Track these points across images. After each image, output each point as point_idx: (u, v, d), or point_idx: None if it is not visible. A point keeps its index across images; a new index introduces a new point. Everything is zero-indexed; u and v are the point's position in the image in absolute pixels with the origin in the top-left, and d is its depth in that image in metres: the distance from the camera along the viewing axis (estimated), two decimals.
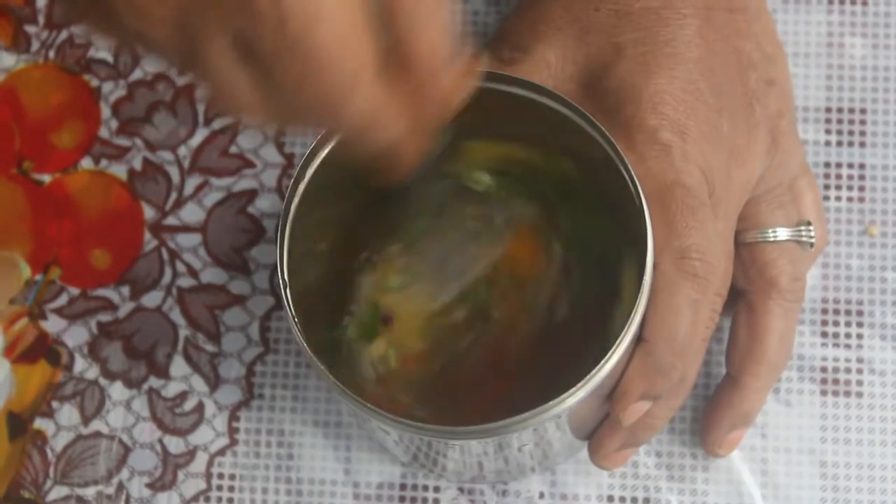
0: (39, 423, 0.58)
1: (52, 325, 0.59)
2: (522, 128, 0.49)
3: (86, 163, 0.60)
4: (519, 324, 0.51)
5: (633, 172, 0.45)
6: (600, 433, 0.51)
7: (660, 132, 0.48)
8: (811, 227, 0.52)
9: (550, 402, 0.44)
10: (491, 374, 0.51)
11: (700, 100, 0.49)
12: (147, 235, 0.59)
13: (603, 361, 0.44)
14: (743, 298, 0.52)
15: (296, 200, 0.47)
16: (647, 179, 0.47)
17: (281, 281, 0.46)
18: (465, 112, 0.43)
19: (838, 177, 0.58)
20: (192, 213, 0.59)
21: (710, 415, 0.54)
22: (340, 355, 0.51)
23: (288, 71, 0.37)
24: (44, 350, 0.58)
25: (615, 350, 0.44)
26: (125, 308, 0.59)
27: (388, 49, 0.38)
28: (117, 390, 0.58)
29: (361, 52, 0.37)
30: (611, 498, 0.55)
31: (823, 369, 0.56)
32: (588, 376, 0.44)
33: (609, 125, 0.48)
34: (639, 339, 0.47)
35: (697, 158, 0.48)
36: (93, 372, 0.58)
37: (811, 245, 0.52)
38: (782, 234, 0.51)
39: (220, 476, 0.57)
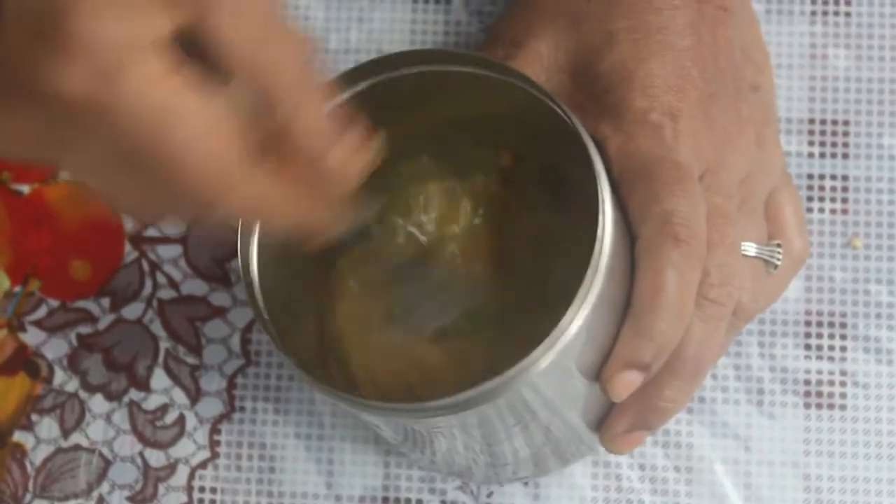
0: (19, 436, 0.57)
1: (32, 337, 0.58)
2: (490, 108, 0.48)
3: (65, 173, 0.60)
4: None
5: (590, 147, 0.45)
6: (609, 414, 0.50)
7: (650, 113, 0.48)
8: (780, 249, 0.51)
9: (509, 370, 0.43)
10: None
11: (691, 84, 0.48)
12: (127, 247, 0.59)
13: (561, 323, 0.43)
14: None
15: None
16: (635, 156, 0.47)
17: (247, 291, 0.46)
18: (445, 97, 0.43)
19: (821, 188, 0.58)
20: (172, 224, 0.59)
21: (618, 407, 0.51)
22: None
23: (153, 176, 0.37)
24: (23, 362, 0.58)
25: (576, 311, 0.43)
26: (105, 320, 0.58)
27: (269, 136, 0.38)
28: (97, 403, 0.57)
29: (226, 148, 0.37)
30: None
31: (807, 382, 0.56)
32: (546, 340, 0.43)
33: (599, 109, 0.48)
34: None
35: (688, 140, 0.48)
36: (73, 384, 0.58)
37: (775, 267, 0.51)
38: (751, 250, 0.50)
39: (202, 489, 0.56)
